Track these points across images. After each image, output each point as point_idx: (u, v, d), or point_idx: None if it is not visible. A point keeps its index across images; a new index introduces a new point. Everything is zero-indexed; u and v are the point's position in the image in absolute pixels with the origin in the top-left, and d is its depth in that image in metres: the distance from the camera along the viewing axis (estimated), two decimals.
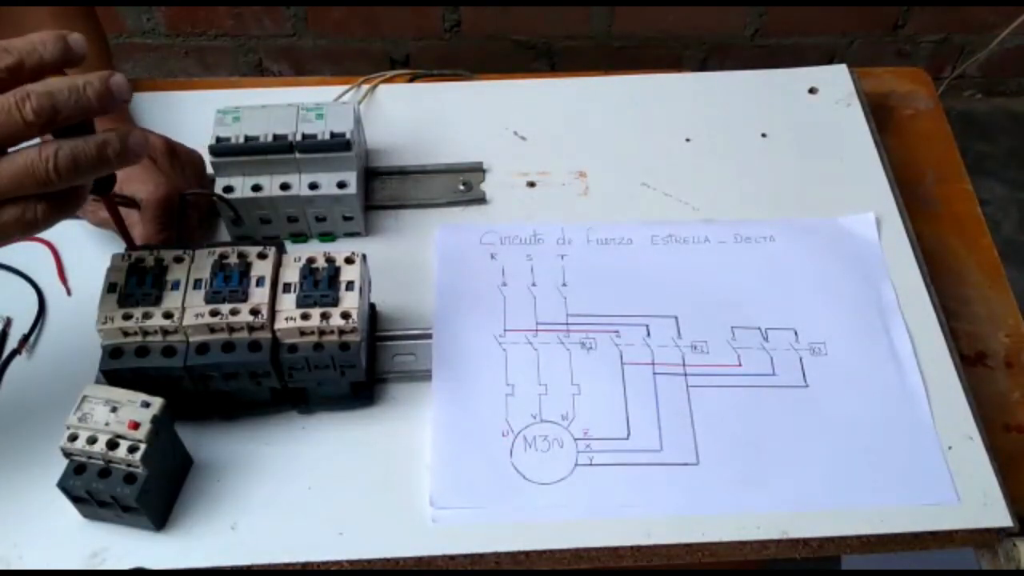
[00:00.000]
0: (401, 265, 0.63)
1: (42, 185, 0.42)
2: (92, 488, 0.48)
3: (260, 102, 0.62)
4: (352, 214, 0.63)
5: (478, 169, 0.69)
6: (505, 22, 1.39)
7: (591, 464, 0.55)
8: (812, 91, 0.75)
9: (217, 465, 0.55)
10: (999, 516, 0.53)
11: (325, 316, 0.51)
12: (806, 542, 0.53)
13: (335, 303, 0.52)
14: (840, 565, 0.93)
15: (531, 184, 0.69)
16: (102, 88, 0.42)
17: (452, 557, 0.52)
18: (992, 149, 1.63)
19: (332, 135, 0.59)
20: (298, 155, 0.60)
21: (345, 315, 0.51)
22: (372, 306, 0.59)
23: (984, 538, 0.54)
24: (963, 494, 0.54)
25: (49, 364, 0.59)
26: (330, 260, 0.53)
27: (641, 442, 0.56)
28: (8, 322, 0.60)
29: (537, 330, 0.60)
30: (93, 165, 0.42)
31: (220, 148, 0.59)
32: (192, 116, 0.69)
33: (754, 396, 0.58)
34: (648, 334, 0.60)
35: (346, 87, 0.73)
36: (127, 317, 0.50)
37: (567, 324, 0.60)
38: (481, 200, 0.67)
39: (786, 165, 0.70)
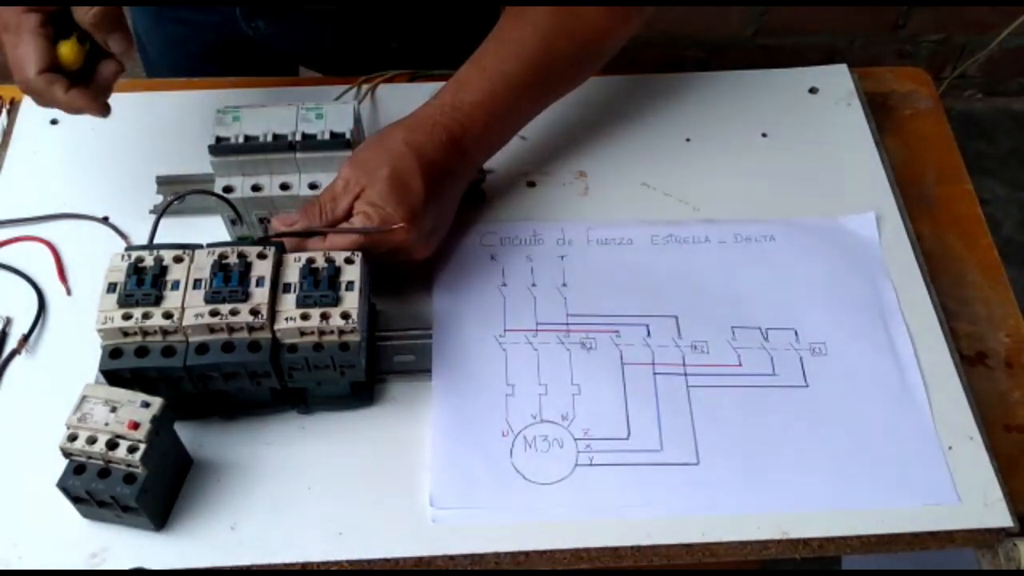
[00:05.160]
0: None
1: None
2: (92, 488, 0.48)
3: (260, 102, 0.62)
4: None
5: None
6: None
7: (591, 464, 0.55)
8: (812, 91, 0.74)
9: (217, 465, 0.55)
10: (999, 516, 0.53)
11: (325, 316, 0.51)
12: (806, 542, 0.53)
13: (335, 303, 0.52)
14: (840, 565, 0.93)
15: (531, 184, 0.69)
16: None
17: (452, 557, 0.52)
18: (992, 149, 1.63)
19: (332, 135, 0.59)
20: (298, 155, 0.59)
21: (345, 315, 0.51)
22: (372, 306, 0.59)
23: (984, 538, 0.53)
24: (963, 494, 0.54)
25: (49, 364, 0.59)
26: (330, 260, 0.53)
27: (641, 442, 0.56)
28: (8, 322, 0.60)
29: (537, 330, 0.60)
30: None
31: (220, 148, 0.59)
32: (192, 116, 0.69)
33: (754, 396, 0.58)
34: (648, 334, 0.60)
35: (346, 87, 0.73)
36: (127, 317, 0.50)
37: (567, 324, 0.60)
38: (481, 200, 0.67)
39: (786, 165, 0.70)
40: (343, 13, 0.77)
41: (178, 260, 0.53)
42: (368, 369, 0.55)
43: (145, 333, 0.51)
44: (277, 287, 0.52)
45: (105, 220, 0.65)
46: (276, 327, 0.51)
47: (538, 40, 0.60)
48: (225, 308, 0.51)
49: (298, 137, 0.59)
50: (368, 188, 0.56)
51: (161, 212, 0.57)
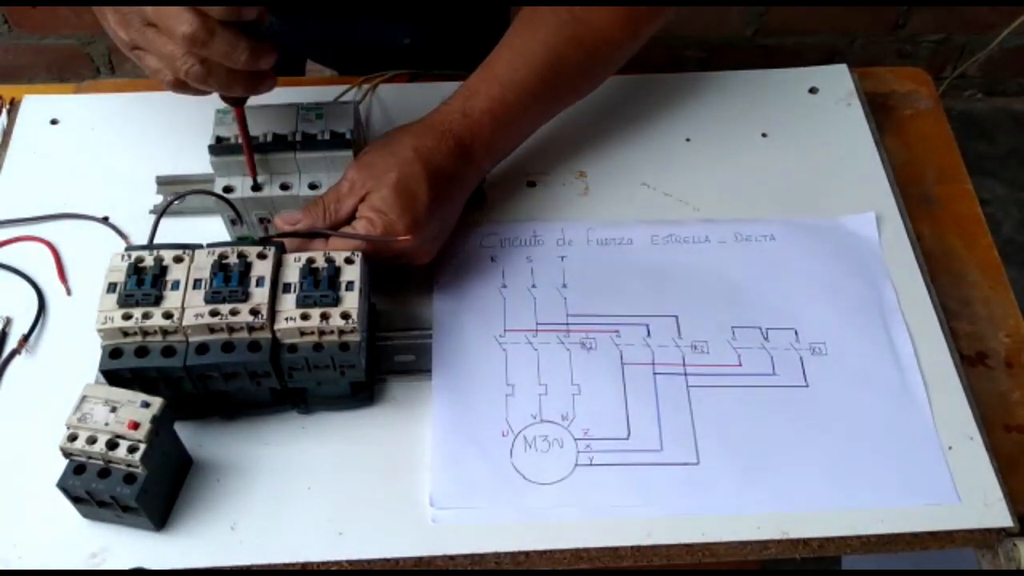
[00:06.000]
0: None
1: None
2: (92, 488, 0.48)
3: (260, 102, 0.62)
4: None
5: None
6: None
7: (591, 464, 0.55)
8: (812, 91, 0.74)
9: (217, 465, 0.55)
10: (999, 516, 0.53)
11: (325, 316, 0.51)
12: (806, 542, 0.53)
13: (335, 303, 0.52)
14: (840, 565, 0.93)
15: (531, 184, 0.69)
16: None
17: (452, 557, 0.52)
18: (992, 149, 1.63)
19: (332, 135, 0.59)
20: (298, 155, 0.59)
21: (345, 315, 0.51)
22: (372, 306, 0.59)
23: (984, 538, 0.54)
24: (963, 494, 0.54)
25: (49, 364, 0.59)
26: (330, 260, 0.53)
27: (641, 442, 0.56)
28: (8, 322, 0.60)
29: (537, 330, 0.60)
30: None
31: (220, 148, 0.59)
32: (192, 116, 0.69)
33: (754, 396, 0.58)
34: (648, 334, 0.60)
35: (346, 87, 0.73)
36: (127, 317, 0.50)
37: (567, 324, 0.60)
38: (482, 201, 0.67)
39: (786, 165, 0.70)
40: (357, 9, 0.77)
41: (178, 260, 0.53)
42: (368, 369, 0.55)
43: (145, 333, 0.51)
44: (277, 287, 0.52)
45: (105, 220, 0.65)
46: (276, 327, 0.51)
47: (548, 49, 0.61)
48: (225, 308, 0.51)
49: (298, 137, 0.59)
50: (373, 192, 0.56)
51: (161, 212, 0.57)
